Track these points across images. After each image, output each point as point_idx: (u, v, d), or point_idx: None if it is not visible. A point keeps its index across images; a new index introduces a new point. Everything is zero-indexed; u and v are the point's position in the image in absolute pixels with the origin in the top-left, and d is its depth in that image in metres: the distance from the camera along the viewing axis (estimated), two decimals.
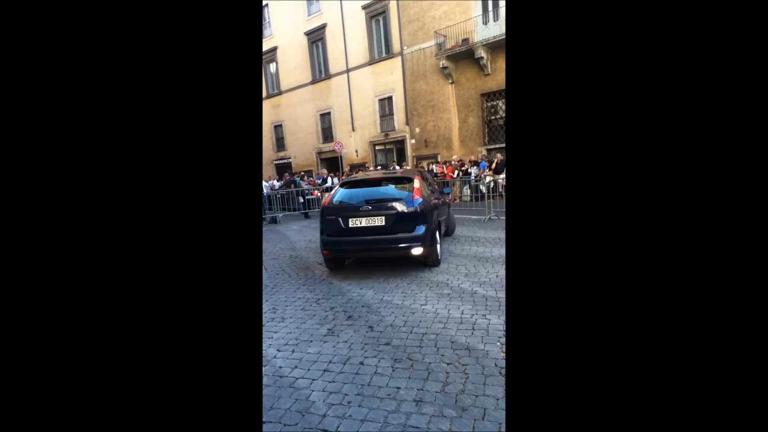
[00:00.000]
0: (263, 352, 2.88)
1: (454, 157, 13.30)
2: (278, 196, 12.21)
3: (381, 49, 16.13)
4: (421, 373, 2.40)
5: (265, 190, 12.17)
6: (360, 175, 6.46)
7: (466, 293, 3.78)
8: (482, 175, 10.53)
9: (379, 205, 4.67)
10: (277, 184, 14.25)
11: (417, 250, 4.54)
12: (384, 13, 15.59)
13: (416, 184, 4.82)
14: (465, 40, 13.19)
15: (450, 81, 14.11)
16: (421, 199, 4.65)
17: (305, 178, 15.41)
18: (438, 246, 5.01)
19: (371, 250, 4.74)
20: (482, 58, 12.81)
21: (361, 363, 2.59)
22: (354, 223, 4.62)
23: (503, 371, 2.32)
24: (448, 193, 6.91)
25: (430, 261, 4.82)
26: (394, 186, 4.98)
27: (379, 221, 4.57)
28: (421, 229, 4.54)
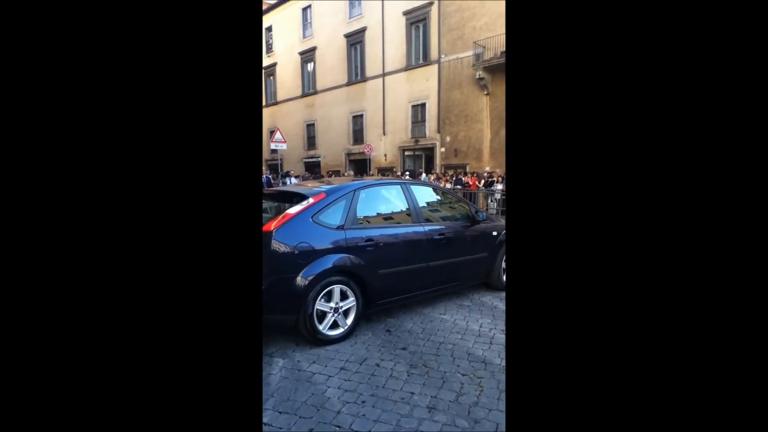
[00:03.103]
0: (282, 345, 2.96)
1: (487, 168, 13.18)
2: None
3: (419, 55, 16.21)
4: (435, 381, 2.42)
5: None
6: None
7: (485, 306, 3.77)
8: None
9: None
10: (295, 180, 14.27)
11: None
12: (425, 20, 15.67)
13: (294, 208, 2.90)
14: (504, 52, 13.11)
15: (485, 92, 14.04)
16: (276, 234, 2.72)
17: (332, 177, 15.61)
18: (347, 318, 3.04)
19: None
20: None
21: (377, 365, 2.64)
22: None
23: None
24: (483, 220, 4.13)
25: (304, 333, 2.89)
26: (284, 206, 3.12)
27: None
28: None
